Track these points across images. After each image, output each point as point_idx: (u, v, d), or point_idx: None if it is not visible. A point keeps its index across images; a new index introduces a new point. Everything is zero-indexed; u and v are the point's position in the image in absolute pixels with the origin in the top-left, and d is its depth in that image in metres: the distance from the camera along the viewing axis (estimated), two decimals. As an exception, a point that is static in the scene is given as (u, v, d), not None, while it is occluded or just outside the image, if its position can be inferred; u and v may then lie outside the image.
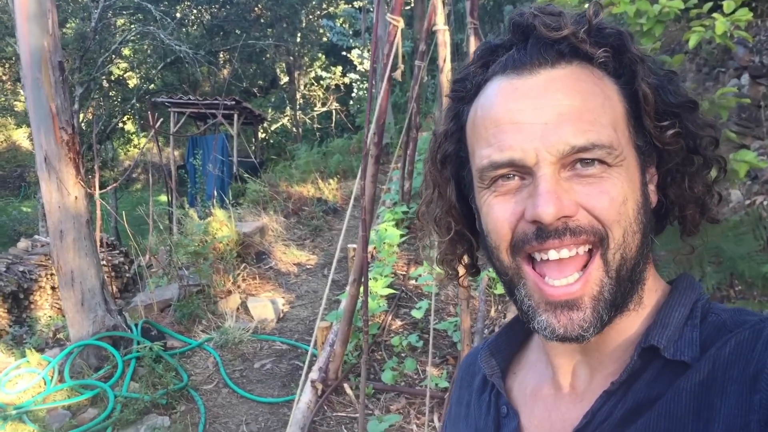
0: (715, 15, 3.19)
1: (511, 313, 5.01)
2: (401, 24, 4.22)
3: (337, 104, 21.97)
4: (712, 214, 0.82)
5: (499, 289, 5.68)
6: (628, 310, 0.75)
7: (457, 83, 0.85)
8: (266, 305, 6.76)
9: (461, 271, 0.95)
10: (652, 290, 0.79)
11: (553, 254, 0.72)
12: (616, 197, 0.71)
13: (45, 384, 5.55)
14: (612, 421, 0.73)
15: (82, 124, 16.95)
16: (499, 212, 0.75)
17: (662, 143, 0.76)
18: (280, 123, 22.76)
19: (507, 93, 0.75)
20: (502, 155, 0.73)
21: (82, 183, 5.75)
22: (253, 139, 19.60)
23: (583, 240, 0.71)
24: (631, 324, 0.77)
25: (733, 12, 3.16)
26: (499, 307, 5.54)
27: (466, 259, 0.93)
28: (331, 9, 23.90)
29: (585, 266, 0.73)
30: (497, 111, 0.75)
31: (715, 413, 0.65)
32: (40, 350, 6.27)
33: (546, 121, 0.71)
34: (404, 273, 6.79)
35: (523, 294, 0.75)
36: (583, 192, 0.71)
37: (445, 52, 4.05)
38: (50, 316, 8.41)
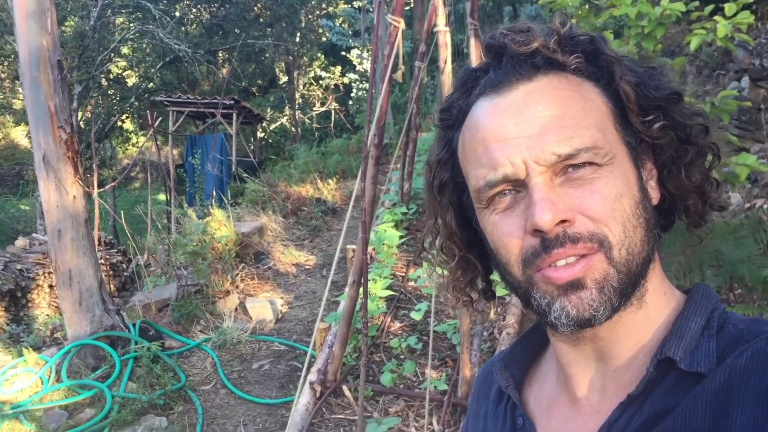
0: (716, 18, 3.18)
1: (511, 315, 5.00)
2: (402, 25, 4.20)
3: (336, 104, 21.97)
4: (715, 201, 0.83)
5: (499, 291, 5.66)
6: (631, 305, 0.75)
7: (443, 112, 0.87)
8: (265, 306, 6.74)
9: (474, 296, 0.95)
10: (660, 293, 0.79)
11: (561, 263, 0.73)
12: (608, 195, 0.72)
13: (42, 383, 5.54)
14: None
15: (81, 123, 16.89)
16: (504, 228, 0.76)
17: (651, 137, 0.78)
18: (279, 123, 22.74)
19: (490, 112, 0.77)
20: (496, 173, 0.74)
21: (81, 182, 5.74)
22: (252, 139, 19.58)
23: (581, 248, 0.71)
24: (645, 332, 0.77)
25: (735, 15, 3.15)
26: (498, 309, 5.54)
27: (479, 284, 0.94)
28: (330, 9, 23.90)
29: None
30: (483, 131, 0.77)
31: (731, 423, 0.65)
32: (37, 349, 6.26)
33: (530, 133, 0.73)
34: (403, 274, 6.77)
35: (539, 297, 0.76)
36: (576, 195, 0.72)
37: (446, 54, 4.03)
38: (48, 315, 8.41)
